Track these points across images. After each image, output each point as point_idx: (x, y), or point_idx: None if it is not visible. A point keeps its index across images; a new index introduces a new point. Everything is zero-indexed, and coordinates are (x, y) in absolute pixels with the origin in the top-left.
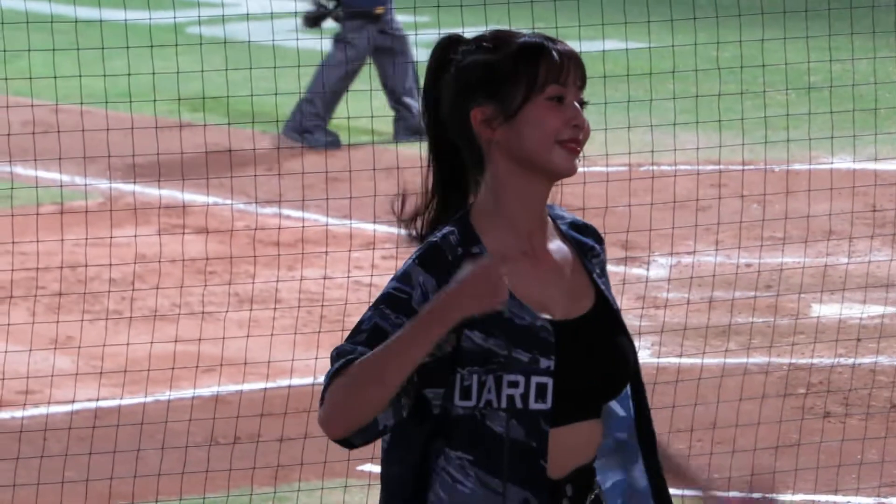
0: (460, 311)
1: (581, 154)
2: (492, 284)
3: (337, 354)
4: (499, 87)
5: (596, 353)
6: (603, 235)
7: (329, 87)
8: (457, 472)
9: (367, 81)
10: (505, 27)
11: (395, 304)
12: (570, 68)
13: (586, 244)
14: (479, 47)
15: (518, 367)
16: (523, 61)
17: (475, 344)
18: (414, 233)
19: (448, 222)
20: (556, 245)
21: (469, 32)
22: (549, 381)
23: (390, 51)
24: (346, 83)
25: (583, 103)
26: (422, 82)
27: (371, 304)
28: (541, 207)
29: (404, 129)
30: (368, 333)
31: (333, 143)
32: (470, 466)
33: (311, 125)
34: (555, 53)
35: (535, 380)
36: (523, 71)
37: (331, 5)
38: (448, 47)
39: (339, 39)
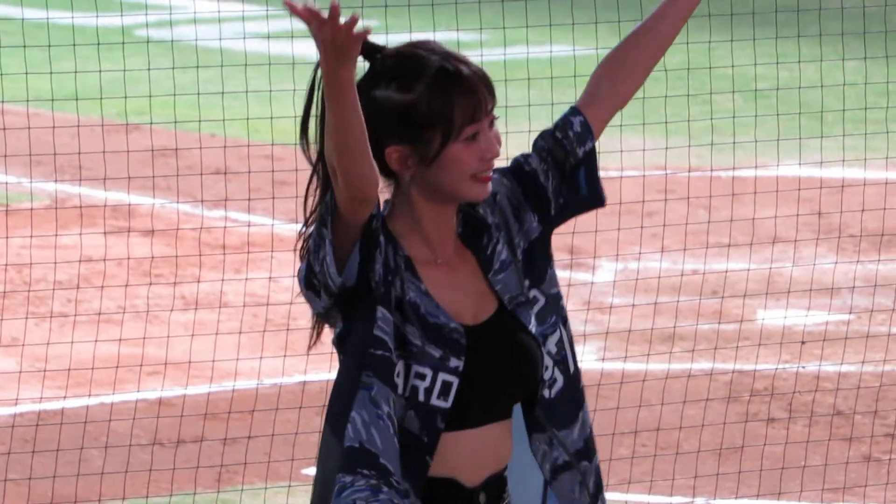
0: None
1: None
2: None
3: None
4: (413, 131)
5: (502, 355)
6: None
7: None
8: (375, 406)
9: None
10: (422, 36)
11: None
12: (482, 97)
13: (482, 227)
14: (391, 80)
15: (428, 361)
16: (438, 106)
17: (394, 326)
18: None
19: None
20: (460, 252)
21: (416, 38)
22: (455, 380)
23: None
24: None
25: (493, 121)
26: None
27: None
28: (451, 223)
29: None
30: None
31: None
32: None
33: None
34: (466, 87)
35: (442, 376)
36: (438, 118)
37: None
38: None
39: None
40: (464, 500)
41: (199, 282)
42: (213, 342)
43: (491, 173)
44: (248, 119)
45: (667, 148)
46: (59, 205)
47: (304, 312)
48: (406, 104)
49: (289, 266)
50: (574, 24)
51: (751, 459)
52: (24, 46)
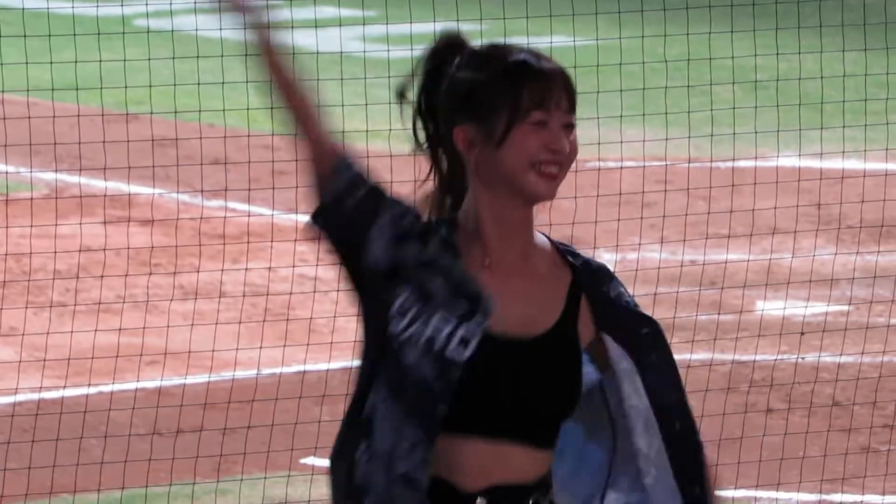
0: None
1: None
2: None
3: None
4: (481, 110)
5: (528, 378)
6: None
7: None
8: (380, 398)
9: (315, 72)
10: (500, 41)
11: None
12: (556, 91)
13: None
14: (469, 63)
15: (455, 311)
16: (507, 85)
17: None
18: None
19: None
20: (536, 269)
21: (417, 28)
22: (477, 332)
23: None
24: None
25: (571, 126)
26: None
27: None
28: (517, 230)
29: None
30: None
31: None
32: (387, 395)
33: None
34: (540, 76)
35: (462, 329)
36: (506, 96)
37: None
38: (444, 50)
39: None
40: (459, 500)
41: (198, 271)
42: (212, 332)
43: (556, 171)
44: (247, 109)
45: (666, 139)
46: (58, 194)
47: (302, 302)
48: (475, 81)
49: (287, 256)
50: (574, 16)
51: (749, 450)
52: (25, 36)
